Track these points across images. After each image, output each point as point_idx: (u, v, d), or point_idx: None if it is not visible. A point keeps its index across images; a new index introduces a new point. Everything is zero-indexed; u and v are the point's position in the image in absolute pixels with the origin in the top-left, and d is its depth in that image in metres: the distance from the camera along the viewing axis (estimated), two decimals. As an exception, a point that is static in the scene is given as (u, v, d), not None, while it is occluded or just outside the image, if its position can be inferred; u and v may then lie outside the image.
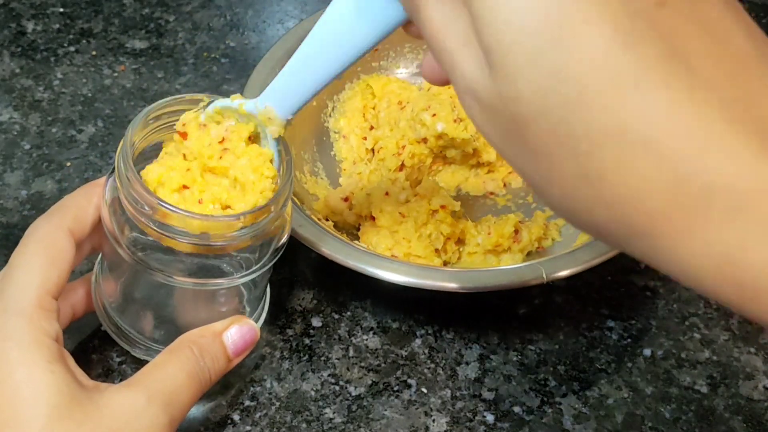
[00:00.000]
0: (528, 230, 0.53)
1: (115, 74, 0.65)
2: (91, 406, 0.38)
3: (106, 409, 0.38)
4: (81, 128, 0.61)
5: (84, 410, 0.38)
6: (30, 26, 0.68)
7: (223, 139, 0.42)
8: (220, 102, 0.42)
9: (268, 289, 0.49)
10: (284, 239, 0.44)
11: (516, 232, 0.53)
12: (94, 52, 0.66)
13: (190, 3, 0.70)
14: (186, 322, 0.45)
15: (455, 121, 0.55)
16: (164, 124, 0.43)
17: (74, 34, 0.68)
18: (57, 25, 0.68)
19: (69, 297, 0.46)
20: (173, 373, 0.41)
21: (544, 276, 0.47)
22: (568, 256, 0.48)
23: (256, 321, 0.48)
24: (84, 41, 0.67)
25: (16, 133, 0.61)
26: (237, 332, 0.44)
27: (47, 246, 0.41)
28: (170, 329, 0.45)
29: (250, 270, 0.43)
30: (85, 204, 0.43)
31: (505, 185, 0.58)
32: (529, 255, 0.53)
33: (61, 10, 0.69)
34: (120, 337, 0.47)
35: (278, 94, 0.42)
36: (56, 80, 0.64)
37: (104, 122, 0.62)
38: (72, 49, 0.66)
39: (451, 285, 0.48)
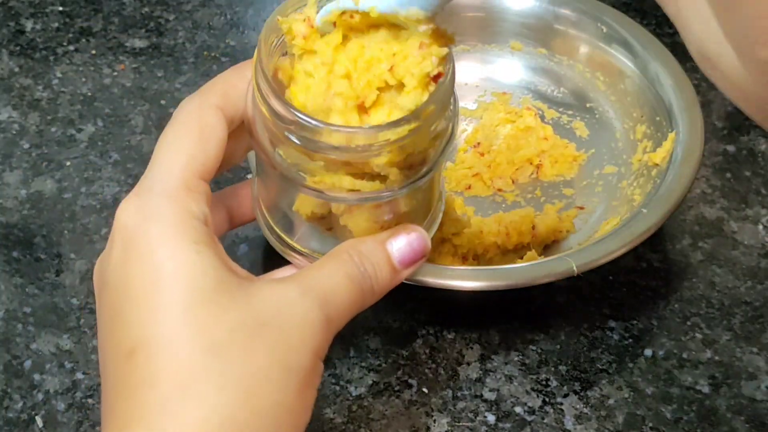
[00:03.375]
0: (543, 224, 0.53)
1: (115, 73, 0.65)
2: (238, 292, 0.35)
3: (254, 297, 0.35)
4: (80, 127, 0.61)
5: (231, 295, 0.34)
6: (29, 25, 0.68)
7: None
8: (334, 4, 0.36)
9: (444, 190, 0.43)
10: (453, 131, 0.38)
11: (533, 227, 0.53)
12: (93, 51, 0.66)
13: (190, 2, 0.70)
14: (347, 234, 0.40)
15: None
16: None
17: (73, 32, 0.67)
18: (56, 24, 0.68)
19: (226, 200, 0.42)
20: (330, 273, 0.37)
21: (575, 268, 0.47)
22: (594, 247, 0.48)
23: (428, 229, 0.42)
24: (83, 40, 0.67)
25: (15, 132, 0.61)
26: (403, 240, 0.39)
27: (192, 124, 0.37)
28: (332, 241, 0.40)
29: (419, 174, 0.37)
30: (237, 80, 0.39)
31: (513, 182, 0.57)
32: (546, 249, 0.53)
33: (61, 8, 0.69)
34: (283, 248, 0.41)
35: None
36: (55, 79, 0.64)
37: (104, 121, 0.61)
38: (71, 48, 0.66)
39: (480, 284, 0.47)
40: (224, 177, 0.58)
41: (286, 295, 0.35)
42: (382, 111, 0.37)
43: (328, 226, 0.40)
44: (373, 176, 0.36)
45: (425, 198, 0.41)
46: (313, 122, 0.35)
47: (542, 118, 0.60)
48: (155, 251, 0.34)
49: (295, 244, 0.41)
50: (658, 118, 0.56)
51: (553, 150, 0.58)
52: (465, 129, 0.61)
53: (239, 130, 0.40)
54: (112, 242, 0.36)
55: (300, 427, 0.35)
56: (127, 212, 0.36)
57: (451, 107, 0.38)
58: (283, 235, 0.41)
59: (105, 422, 0.35)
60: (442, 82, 0.36)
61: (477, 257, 0.53)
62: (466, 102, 0.62)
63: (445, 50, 0.36)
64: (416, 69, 0.36)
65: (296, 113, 0.35)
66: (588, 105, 0.61)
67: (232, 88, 0.39)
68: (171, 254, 0.34)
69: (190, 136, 0.37)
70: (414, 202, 0.40)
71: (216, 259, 0.35)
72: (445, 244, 0.51)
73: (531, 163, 0.58)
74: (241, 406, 0.33)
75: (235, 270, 0.37)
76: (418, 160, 0.37)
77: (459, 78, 0.62)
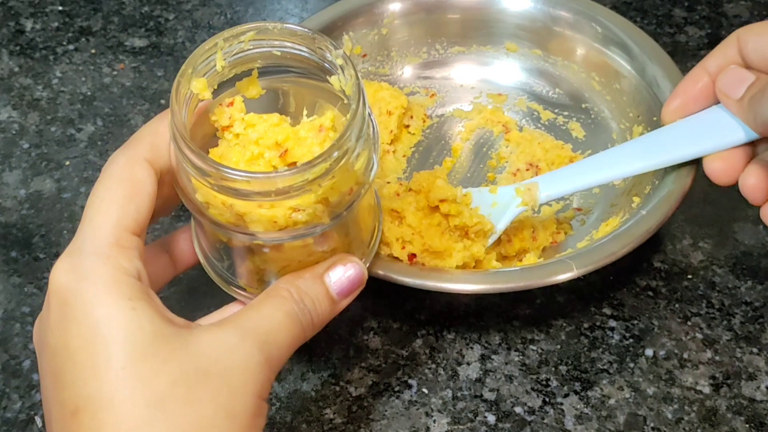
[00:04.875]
0: (542, 226, 0.53)
1: (115, 73, 0.65)
2: (177, 342, 0.35)
3: (193, 346, 0.35)
4: (80, 127, 0.61)
5: (170, 347, 0.35)
6: (29, 24, 0.68)
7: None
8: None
9: (381, 218, 0.45)
10: (372, 157, 0.39)
11: (533, 231, 0.53)
12: (93, 51, 0.66)
13: (190, 1, 0.70)
14: (288, 269, 0.40)
15: None
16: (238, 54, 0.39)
17: (73, 32, 0.67)
18: (56, 24, 0.68)
19: (168, 246, 0.43)
20: (269, 313, 0.37)
21: (576, 271, 0.46)
22: (594, 249, 0.48)
23: (366, 256, 0.43)
24: (83, 39, 0.67)
25: (14, 132, 0.61)
26: (340, 272, 0.40)
27: (121, 179, 0.38)
28: (273, 276, 0.41)
29: (345, 206, 0.38)
30: (164, 130, 0.39)
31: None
32: (544, 251, 0.53)
33: (60, 8, 0.69)
34: (228, 285, 0.42)
35: (551, 181, 0.50)
36: (55, 79, 0.64)
37: (103, 121, 0.61)
38: (71, 47, 0.66)
39: (482, 287, 0.47)
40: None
41: (225, 341, 0.36)
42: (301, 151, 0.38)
43: (263, 264, 0.40)
44: (302, 214, 0.37)
45: (358, 226, 0.42)
46: (232, 172, 0.35)
47: (538, 119, 0.60)
48: (91, 311, 0.35)
49: (238, 281, 0.42)
50: (654, 118, 0.55)
51: (549, 152, 0.58)
52: (461, 130, 0.61)
53: (171, 179, 0.40)
54: (49, 304, 0.36)
55: None
56: (61, 273, 0.36)
57: (369, 137, 0.39)
58: (225, 273, 0.42)
59: None
60: (351, 120, 0.37)
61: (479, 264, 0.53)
62: (461, 104, 0.62)
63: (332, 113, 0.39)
64: (315, 148, 0.38)
65: (214, 165, 0.36)
66: (584, 105, 0.60)
67: (159, 139, 0.39)
68: (106, 313, 0.35)
69: (119, 193, 0.37)
70: (347, 232, 0.41)
71: (152, 312, 0.35)
72: (435, 216, 0.50)
73: (531, 166, 0.58)
74: None
75: (173, 320, 0.37)
76: (343, 193, 0.38)
77: (456, 79, 0.63)
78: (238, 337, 0.36)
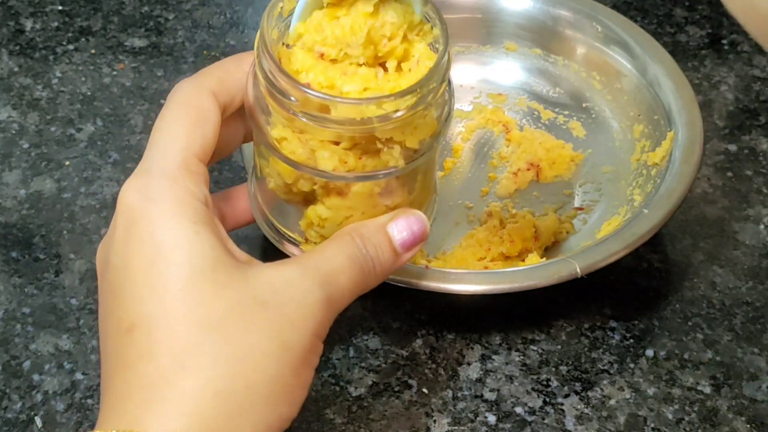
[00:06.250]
0: (543, 226, 0.53)
1: (115, 73, 0.64)
2: (237, 272, 0.35)
3: (253, 278, 0.35)
4: (80, 127, 0.61)
5: (228, 274, 0.35)
6: (28, 24, 0.68)
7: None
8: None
9: (437, 177, 0.44)
10: (450, 109, 0.39)
11: (535, 231, 0.53)
12: (93, 51, 0.66)
13: (190, 1, 0.70)
14: (350, 222, 0.40)
15: None
16: None
17: (73, 32, 0.67)
18: (56, 23, 0.68)
19: (218, 203, 0.42)
20: (332, 255, 0.37)
21: (579, 270, 0.46)
22: (597, 248, 0.48)
23: (427, 214, 0.42)
24: (83, 39, 0.67)
25: (14, 132, 0.61)
26: (403, 223, 0.39)
27: (188, 106, 0.38)
28: (331, 230, 0.41)
29: (417, 154, 0.38)
30: (234, 69, 0.39)
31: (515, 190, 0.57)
32: (546, 250, 0.53)
33: (60, 8, 0.69)
34: (286, 246, 0.42)
35: None
36: (55, 79, 0.64)
37: (103, 121, 0.61)
38: (71, 47, 0.66)
39: (485, 287, 0.47)
40: (225, 177, 0.58)
41: (285, 276, 0.36)
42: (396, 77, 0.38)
43: (326, 213, 0.40)
44: (373, 155, 0.37)
45: (423, 183, 0.41)
46: (319, 94, 0.35)
47: (538, 119, 0.60)
48: (155, 231, 0.35)
49: (297, 238, 0.41)
50: (656, 117, 0.55)
51: (550, 151, 0.58)
52: (461, 131, 0.61)
53: (232, 119, 0.40)
54: (115, 224, 0.37)
55: (295, 404, 0.36)
56: (129, 193, 0.36)
57: (448, 87, 0.39)
58: (283, 230, 0.42)
59: (104, 396, 0.36)
60: (440, 59, 0.37)
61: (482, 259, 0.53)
62: (461, 104, 0.62)
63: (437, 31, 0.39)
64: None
65: (302, 87, 0.36)
66: (584, 105, 0.60)
67: (228, 75, 0.39)
68: (170, 234, 0.35)
69: (187, 118, 0.38)
70: (411, 189, 0.41)
71: (215, 240, 0.36)
72: None
73: (529, 166, 0.57)
74: (236, 379, 0.34)
75: (235, 253, 0.37)
76: (420, 139, 0.38)
77: (455, 80, 0.62)
78: (299, 273, 0.36)
